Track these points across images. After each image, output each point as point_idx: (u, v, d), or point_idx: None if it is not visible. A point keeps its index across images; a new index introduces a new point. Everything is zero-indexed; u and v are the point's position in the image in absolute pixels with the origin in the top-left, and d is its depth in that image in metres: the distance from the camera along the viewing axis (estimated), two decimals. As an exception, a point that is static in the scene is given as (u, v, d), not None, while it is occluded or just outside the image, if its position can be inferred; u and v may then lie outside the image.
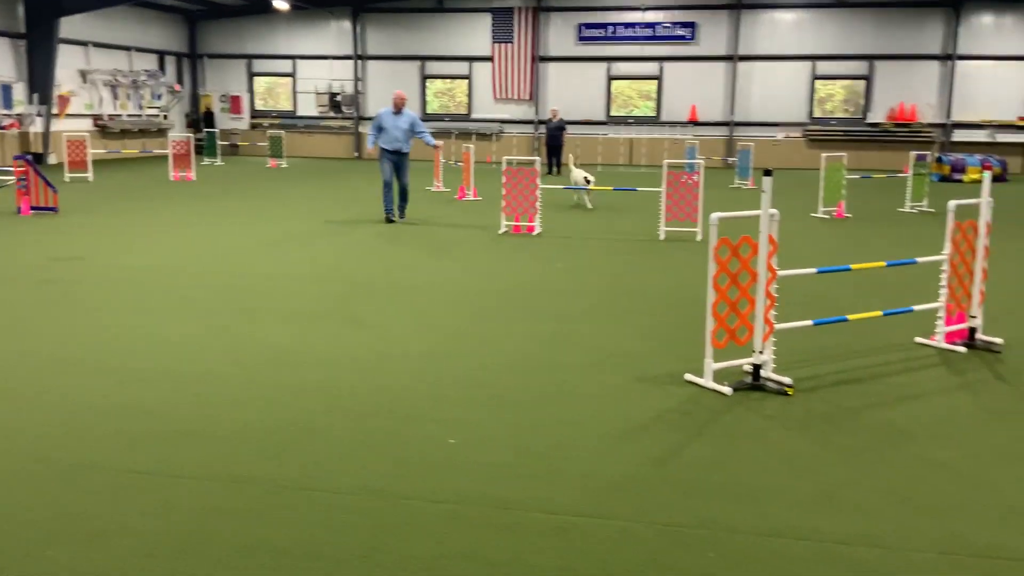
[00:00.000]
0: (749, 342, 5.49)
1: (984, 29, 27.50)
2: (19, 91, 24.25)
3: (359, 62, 31.35)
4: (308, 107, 32.14)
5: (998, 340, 6.44)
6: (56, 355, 6.06)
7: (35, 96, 24.41)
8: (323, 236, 12.03)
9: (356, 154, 31.52)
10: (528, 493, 3.94)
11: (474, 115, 30.97)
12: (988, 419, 5.00)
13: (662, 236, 12.15)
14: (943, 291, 6.33)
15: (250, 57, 32.20)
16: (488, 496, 3.91)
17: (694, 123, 29.29)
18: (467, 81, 30.98)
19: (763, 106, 28.95)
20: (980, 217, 6.38)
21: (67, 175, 19.92)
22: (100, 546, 3.42)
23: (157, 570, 3.25)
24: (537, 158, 13.68)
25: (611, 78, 30.03)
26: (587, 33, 29.62)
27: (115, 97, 28.19)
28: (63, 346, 6.29)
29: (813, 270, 6.12)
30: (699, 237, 11.91)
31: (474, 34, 30.29)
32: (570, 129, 26.81)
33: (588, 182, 15.25)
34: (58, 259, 9.89)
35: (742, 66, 28.80)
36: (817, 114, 29.18)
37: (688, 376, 5.59)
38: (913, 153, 16.32)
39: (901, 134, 28.09)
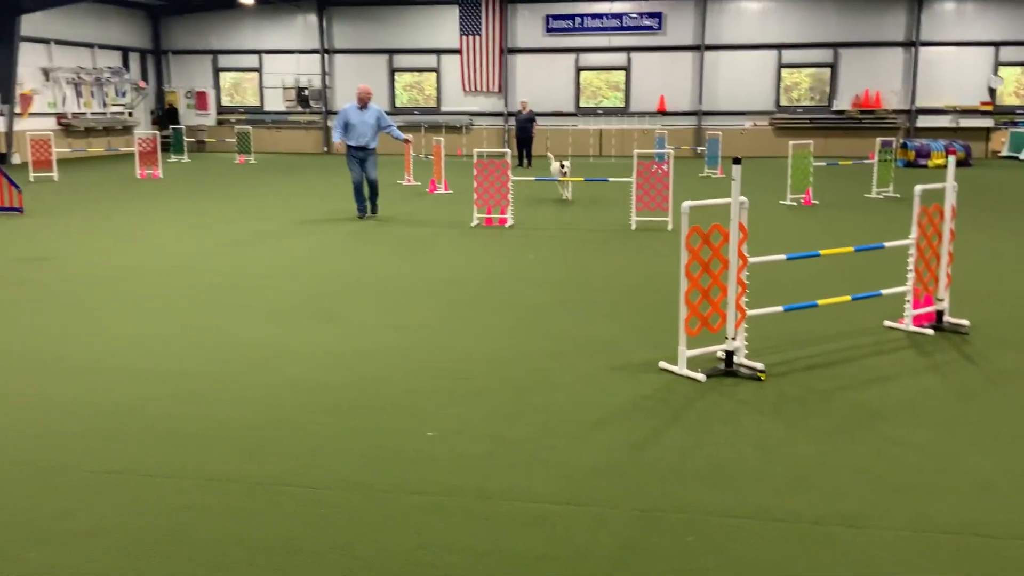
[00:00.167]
0: (722, 329, 5.55)
1: (946, 15, 27.84)
2: (-20, 90, 23.86)
3: (326, 56, 31.15)
4: (275, 102, 31.89)
5: (965, 322, 6.55)
6: (27, 356, 5.98)
7: (-4, 95, 24.05)
8: (294, 233, 11.97)
9: (325, 149, 31.33)
10: (506, 483, 3.96)
11: (443, 108, 30.89)
12: (957, 399, 5.09)
13: (633, 226, 12.21)
14: (910, 275, 6.42)
15: (215, 52, 31.88)
16: (467, 487, 3.92)
17: (663, 113, 29.42)
18: (435, 74, 30.89)
19: (730, 95, 29.13)
20: (946, 201, 6.48)
21: (32, 175, 19.62)
22: (78, 546, 3.39)
23: (135, 569, 3.23)
24: (507, 150, 13.67)
25: (579, 69, 30.07)
26: (555, 24, 29.63)
27: (79, 95, 27.81)
28: (34, 347, 6.21)
29: (783, 256, 6.18)
30: (670, 226, 11.98)
31: (442, 26, 30.19)
32: (540, 121, 26.84)
33: (564, 170, 15.07)
34: (25, 260, 9.76)
35: (709, 56, 28.96)
36: (783, 102, 29.41)
37: (662, 364, 5.64)
38: (879, 139, 16.51)
39: (867, 121, 28.40)
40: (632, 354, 5.97)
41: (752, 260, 5.55)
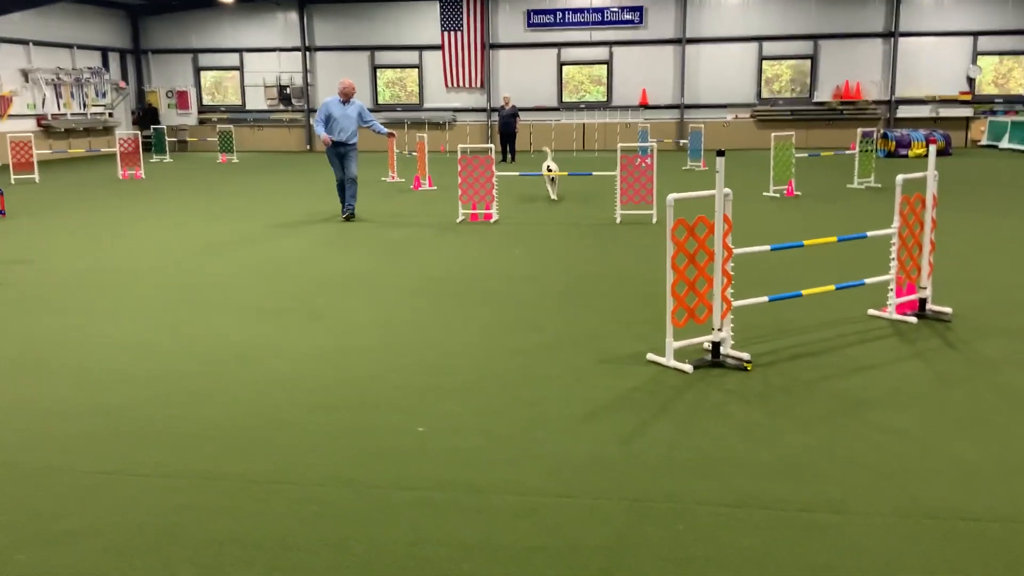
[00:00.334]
0: (708, 320, 5.59)
1: (925, 6, 28.02)
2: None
3: (307, 54, 31.04)
4: (257, 101, 31.76)
5: (947, 309, 6.63)
6: (12, 359, 5.96)
7: (-25, 97, 23.87)
8: (278, 231, 11.94)
9: (308, 147, 31.24)
10: (497, 476, 3.99)
11: (426, 104, 30.85)
12: (940, 386, 5.15)
13: (618, 219, 12.26)
14: (893, 264, 6.49)
15: (196, 51, 31.70)
16: (458, 481, 3.95)
17: (645, 107, 29.49)
18: (417, 70, 30.83)
19: (712, 88, 29.23)
20: (927, 190, 6.54)
21: (12, 177, 19.50)
22: (70, 547, 3.40)
23: (128, 568, 3.24)
24: (491, 146, 13.68)
25: (562, 64, 30.09)
26: (536, 19, 29.63)
27: (59, 96, 27.61)
28: (19, 350, 6.19)
29: (767, 247, 6.23)
30: (654, 219, 12.03)
31: (423, 23, 30.14)
32: (523, 116, 26.84)
33: (550, 171, 14.73)
34: (8, 263, 9.70)
35: (690, 49, 29.04)
36: (765, 94, 29.54)
37: (650, 356, 5.68)
38: (860, 130, 16.63)
39: (847, 112, 28.57)
40: (620, 347, 6.01)
41: (737, 251, 5.60)
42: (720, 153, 5.38)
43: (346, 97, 12.64)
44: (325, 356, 5.95)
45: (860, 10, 28.27)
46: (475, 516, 3.62)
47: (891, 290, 6.58)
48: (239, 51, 31.40)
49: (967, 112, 28.17)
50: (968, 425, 4.53)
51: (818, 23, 28.48)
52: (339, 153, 12.72)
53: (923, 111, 28.40)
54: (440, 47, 30.08)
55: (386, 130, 13.50)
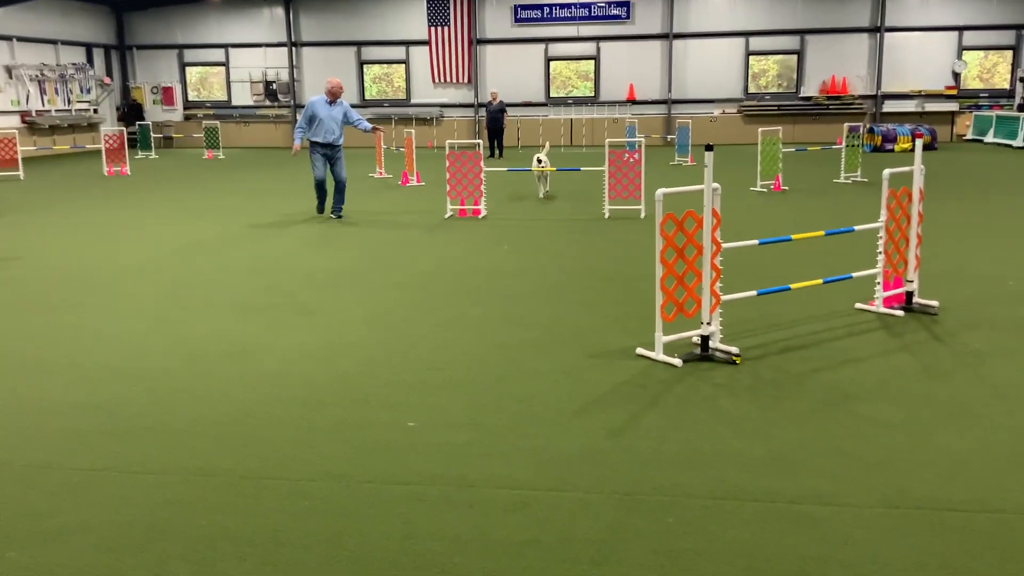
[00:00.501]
0: (697, 314, 5.61)
1: (910, 1, 28.11)
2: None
3: (294, 49, 30.91)
4: (243, 96, 31.59)
5: (934, 303, 6.67)
6: (1, 356, 5.94)
7: (-42, 94, 23.67)
8: (266, 228, 11.90)
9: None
10: (488, 470, 4.00)
11: (413, 100, 30.76)
12: (928, 378, 5.19)
13: (607, 215, 12.27)
14: (880, 257, 6.53)
15: (181, 47, 31.51)
16: (449, 475, 3.95)
17: (632, 102, 29.49)
18: (404, 66, 30.75)
19: (699, 83, 29.25)
20: (913, 184, 6.58)
21: (-4, 174, 19.37)
22: (61, 544, 3.39)
23: (120, 565, 3.24)
24: (479, 141, 13.65)
25: (549, 59, 30.06)
26: (523, 15, 29.58)
27: (43, 92, 27.41)
28: (7, 347, 6.16)
29: (755, 242, 6.27)
30: (643, 214, 12.06)
31: (410, 18, 30.04)
32: (511, 111, 26.82)
33: (540, 163, 14.29)
34: (-7, 260, 9.65)
35: (677, 44, 29.06)
36: (752, 90, 29.58)
37: (639, 350, 5.70)
38: (846, 125, 16.68)
39: (834, 107, 28.64)
40: (609, 341, 6.03)
41: (725, 246, 5.62)
42: (709, 148, 5.40)
43: (333, 97, 12.20)
44: (315, 352, 5.95)
45: (846, 5, 28.34)
46: (467, 510, 3.63)
47: (878, 284, 6.62)
48: (224, 47, 31.21)
49: (952, 107, 28.29)
50: (955, 417, 4.57)
51: (804, 18, 28.54)
52: (326, 155, 12.32)
53: (909, 106, 28.52)
54: (427, 42, 30.00)
55: (371, 125, 13.01)
